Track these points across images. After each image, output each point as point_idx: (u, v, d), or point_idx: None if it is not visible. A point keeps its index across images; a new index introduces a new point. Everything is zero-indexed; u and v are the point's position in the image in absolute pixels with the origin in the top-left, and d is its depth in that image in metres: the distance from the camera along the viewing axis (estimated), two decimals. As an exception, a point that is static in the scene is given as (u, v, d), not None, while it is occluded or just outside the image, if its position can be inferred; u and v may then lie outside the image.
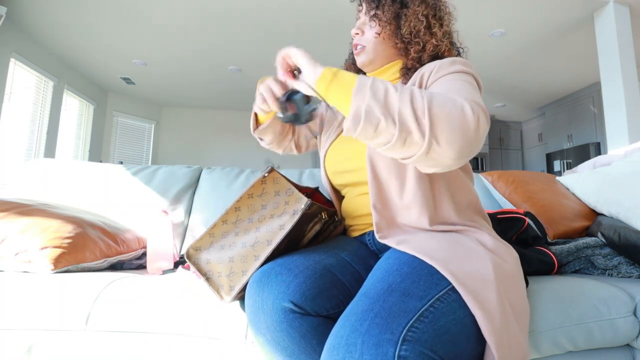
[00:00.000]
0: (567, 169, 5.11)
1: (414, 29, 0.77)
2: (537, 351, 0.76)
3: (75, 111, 5.01)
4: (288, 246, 0.73)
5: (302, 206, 0.70)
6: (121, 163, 3.62)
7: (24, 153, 3.96)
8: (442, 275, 0.56)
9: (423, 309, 0.51)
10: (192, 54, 4.37)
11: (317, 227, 0.77)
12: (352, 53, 0.94)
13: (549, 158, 5.78)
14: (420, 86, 0.72)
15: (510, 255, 0.67)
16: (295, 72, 0.68)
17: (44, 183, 1.44)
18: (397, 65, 0.84)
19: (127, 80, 5.23)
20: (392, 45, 0.81)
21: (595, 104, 4.92)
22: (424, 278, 0.56)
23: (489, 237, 0.67)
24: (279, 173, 0.78)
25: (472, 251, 0.62)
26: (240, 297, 0.73)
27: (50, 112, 4.29)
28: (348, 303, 0.65)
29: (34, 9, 3.46)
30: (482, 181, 1.56)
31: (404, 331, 0.48)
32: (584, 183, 1.37)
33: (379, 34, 0.81)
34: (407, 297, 0.53)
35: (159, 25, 3.73)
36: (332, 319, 0.64)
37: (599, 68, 3.33)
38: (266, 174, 0.77)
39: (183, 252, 1.37)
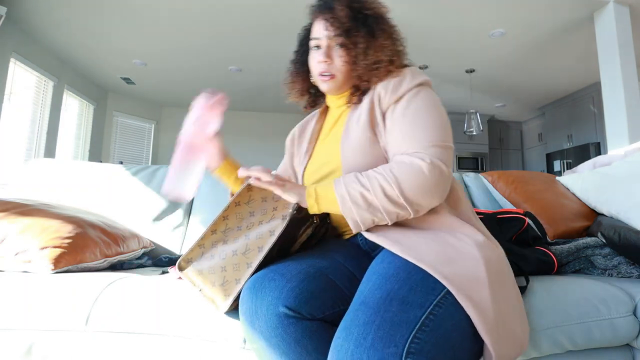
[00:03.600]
0: (567, 169, 5.11)
1: (378, 60, 0.77)
2: (537, 350, 0.76)
3: (75, 111, 5.00)
4: (280, 251, 0.73)
5: (290, 210, 0.70)
6: (121, 163, 3.61)
7: (24, 153, 3.95)
8: (437, 279, 0.57)
9: (423, 317, 0.52)
10: (192, 54, 4.37)
11: (310, 231, 0.77)
12: (295, 61, 0.93)
13: (549, 158, 5.78)
14: (372, 108, 0.76)
15: (498, 249, 0.68)
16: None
17: (44, 183, 1.44)
18: (351, 88, 0.84)
19: (127, 80, 5.23)
20: (354, 73, 0.80)
21: (595, 104, 4.91)
22: (420, 283, 0.57)
23: (477, 235, 0.67)
24: None
25: (463, 250, 0.63)
26: (236, 305, 0.72)
27: (50, 112, 4.28)
28: (342, 304, 0.65)
29: (34, 9, 3.46)
30: (482, 181, 1.56)
31: (407, 343, 0.49)
32: (584, 183, 1.37)
33: (347, 63, 0.79)
34: (407, 306, 0.53)
35: (159, 26, 3.73)
36: (328, 322, 0.64)
37: (599, 68, 3.32)
38: (251, 182, 0.77)
39: (182, 252, 1.37)
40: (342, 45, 0.79)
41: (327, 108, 0.95)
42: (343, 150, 0.77)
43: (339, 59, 0.79)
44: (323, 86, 0.84)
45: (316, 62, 0.82)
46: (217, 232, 0.76)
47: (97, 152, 5.45)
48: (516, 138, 6.87)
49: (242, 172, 0.71)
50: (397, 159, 0.69)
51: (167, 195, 0.77)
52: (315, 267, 0.67)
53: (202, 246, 0.76)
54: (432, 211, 0.70)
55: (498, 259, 0.65)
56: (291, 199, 0.70)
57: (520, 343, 0.59)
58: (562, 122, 5.57)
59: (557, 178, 1.50)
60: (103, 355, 0.77)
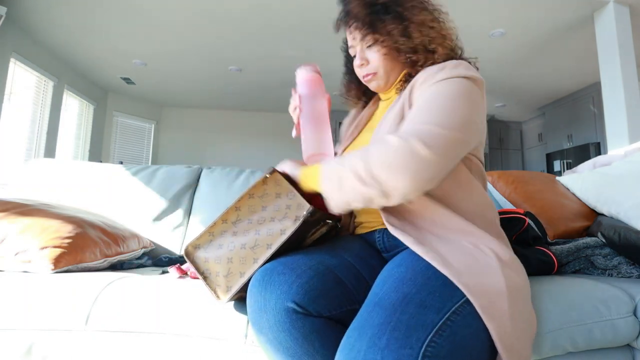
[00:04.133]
0: (567, 169, 5.11)
1: (431, 39, 0.76)
2: (538, 353, 0.76)
3: (75, 111, 5.01)
4: (288, 248, 0.73)
5: (304, 213, 0.69)
6: (121, 163, 3.61)
7: (24, 153, 3.95)
8: (456, 287, 0.56)
9: (441, 322, 0.52)
10: (192, 54, 4.37)
11: (324, 230, 0.77)
12: (345, 72, 0.95)
13: (549, 158, 5.78)
14: (410, 94, 0.74)
15: (519, 266, 0.67)
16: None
17: (44, 183, 1.44)
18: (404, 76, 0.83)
19: (127, 80, 5.23)
20: (402, 60, 0.79)
21: (595, 104, 4.91)
22: (439, 289, 0.56)
23: (500, 248, 0.65)
24: (280, 174, 0.77)
25: (485, 263, 0.61)
26: (237, 298, 0.73)
27: (50, 112, 4.28)
28: (349, 304, 0.65)
29: (34, 9, 3.46)
30: (482, 181, 1.55)
31: (424, 346, 0.48)
32: (584, 183, 1.37)
33: (386, 55, 0.79)
34: (424, 310, 0.52)
35: (159, 26, 3.73)
36: (333, 320, 0.64)
37: (599, 68, 3.32)
38: (268, 175, 0.77)
39: (181, 252, 1.37)
40: (373, 43, 0.78)
41: (379, 98, 0.94)
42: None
43: (375, 55, 0.79)
44: (371, 86, 0.86)
45: (356, 68, 0.84)
46: (228, 221, 0.76)
47: (97, 152, 5.45)
48: (516, 138, 6.87)
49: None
50: (372, 144, 0.66)
51: (313, 158, 0.80)
52: (324, 264, 0.67)
53: (212, 234, 0.76)
54: (459, 219, 0.67)
55: (518, 275, 0.64)
56: (286, 169, 0.75)
57: (527, 358, 0.59)
58: (562, 122, 5.57)
59: (557, 178, 1.50)
60: (103, 354, 0.77)
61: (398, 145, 0.59)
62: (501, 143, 6.74)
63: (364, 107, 0.96)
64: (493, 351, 0.55)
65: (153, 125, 6.34)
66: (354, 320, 0.56)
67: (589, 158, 4.79)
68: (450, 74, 0.69)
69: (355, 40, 0.82)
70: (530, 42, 3.90)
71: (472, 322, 0.54)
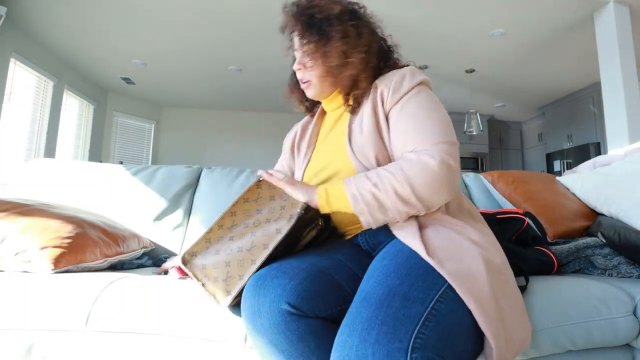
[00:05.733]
0: (567, 169, 5.10)
1: (342, 64, 0.80)
2: (537, 350, 0.76)
3: (75, 111, 5.00)
4: (284, 251, 0.73)
5: (298, 210, 0.70)
6: (121, 163, 3.61)
7: (24, 153, 3.95)
8: (438, 274, 0.58)
9: (426, 312, 0.53)
10: (193, 54, 4.37)
11: (314, 233, 0.77)
12: (292, 74, 0.95)
13: (549, 158, 5.77)
14: (375, 113, 0.77)
15: (495, 247, 0.69)
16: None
17: (44, 183, 1.44)
18: (339, 94, 0.86)
19: (127, 80, 5.22)
20: (331, 79, 0.82)
21: (595, 104, 4.91)
22: (421, 279, 0.57)
23: (475, 233, 0.69)
24: None
25: (463, 247, 0.64)
26: (237, 302, 0.72)
27: (50, 112, 4.28)
28: (345, 303, 0.65)
29: (34, 9, 3.46)
30: (482, 181, 1.56)
31: (412, 338, 0.50)
32: (584, 183, 1.37)
33: (314, 69, 0.82)
34: (409, 302, 0.54)
35: (159, 26, 3.73)
36: (330, 321, 0.64)
37: (599, 68, 3.32)
38: (261, 179, 0.77)
39: (181, 253, 1.36)
40: (306, 53, 0.81)
41: (324, 111, 0.96)
42: (352, 160, 0.77)
43: (308, 64, 0.83)
44: (308, 94, 0.88)
45: (296, 71, 0.86)
46: (224, 227, 0.76)
47: (97, 152, 5.45)
48: (516, 138, 6.87)
49: (260, 172, 0.77)
50: (407, 157, 0.70)
51: None
52: (317, 266, 0.67)
53: (208, 240, 0.76)
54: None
55: (496, 257, 0.66)
56: (300, 197, 0.72)
57: (521, 339, 0.60)
58: (562, 122, 5.56)
59: (557, 178, 1.50)
60: (103, 355, 0.77)
61: (438, 167, 0.66)
62: (501, 143, 6.74)
63: (308, 113, 0.99)
64: (479, 334, 0.56)
65: (153, 125, 6.33)
66: (345, 318, 0.57)
67: (589, 158, 4.79)
68: (413, 82, 0.76)
69: (296, 44, 0.84)
70: (530, 42, 3.90)
71: (456, 308, 0.55)
